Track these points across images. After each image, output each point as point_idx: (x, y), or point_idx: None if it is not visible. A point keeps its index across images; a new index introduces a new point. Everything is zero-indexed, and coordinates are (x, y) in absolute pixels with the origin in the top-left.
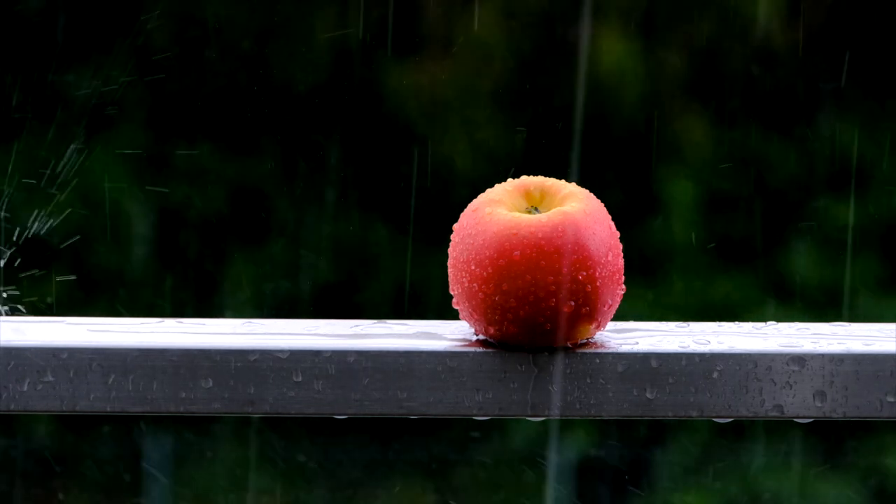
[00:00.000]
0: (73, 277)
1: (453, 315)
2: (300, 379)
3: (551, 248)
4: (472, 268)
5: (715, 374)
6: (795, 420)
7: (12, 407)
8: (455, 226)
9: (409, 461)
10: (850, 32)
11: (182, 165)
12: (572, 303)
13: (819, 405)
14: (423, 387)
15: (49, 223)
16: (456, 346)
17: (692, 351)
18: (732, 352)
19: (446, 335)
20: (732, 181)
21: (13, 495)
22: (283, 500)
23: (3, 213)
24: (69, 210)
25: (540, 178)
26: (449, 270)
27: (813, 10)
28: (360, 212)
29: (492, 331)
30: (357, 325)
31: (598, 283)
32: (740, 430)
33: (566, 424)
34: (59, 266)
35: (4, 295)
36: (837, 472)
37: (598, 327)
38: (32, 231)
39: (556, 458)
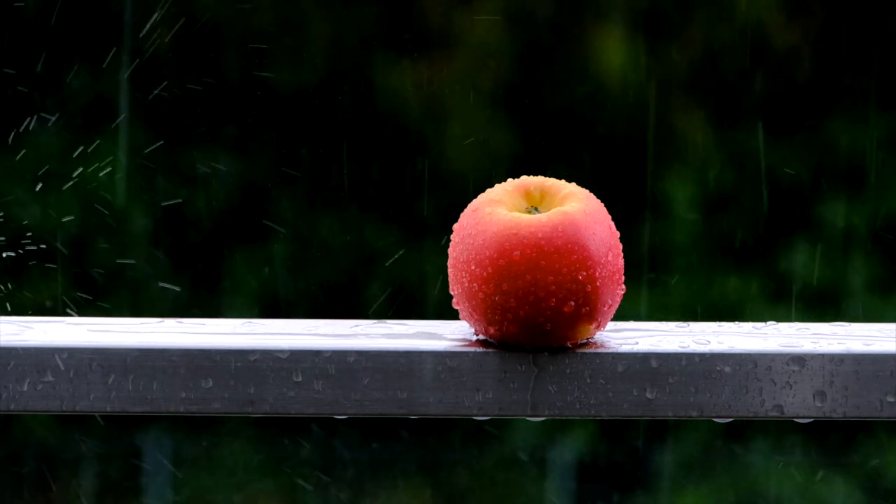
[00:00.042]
0: (73, 278)
1: (453, 315)
2: (300, 379)
3: (551, 248)
4: (472, 268)
5: (715, 374)
6: (795, 420)
7: (12, 407)
8: (455, 226)
9: (409, 461)
10: (850, 32)
11: (182, 165)
12: (572, 303)
13: (819, 405)
14: (423, 387)
15: (49, 223)
16: (456, 346)
17: (692, 351)
18: (732, 352)
19: (446, 335)
20: (732, 181)
21: (13, 495)
22: (283, 500)
23: (2, 213)
24: (69, 210)
25: (540, 178)
26: (449, 270)
27: (813, 9)
28: (360, 212)
29: (492, 331)
30: (357, 325)
31: (598, 283)
32: (740, 430)
33: (566, 424)
34: (59, 266)
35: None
36: (837, 472)
37: (598, 327)
38: (32, 231)
39: (556, 458)
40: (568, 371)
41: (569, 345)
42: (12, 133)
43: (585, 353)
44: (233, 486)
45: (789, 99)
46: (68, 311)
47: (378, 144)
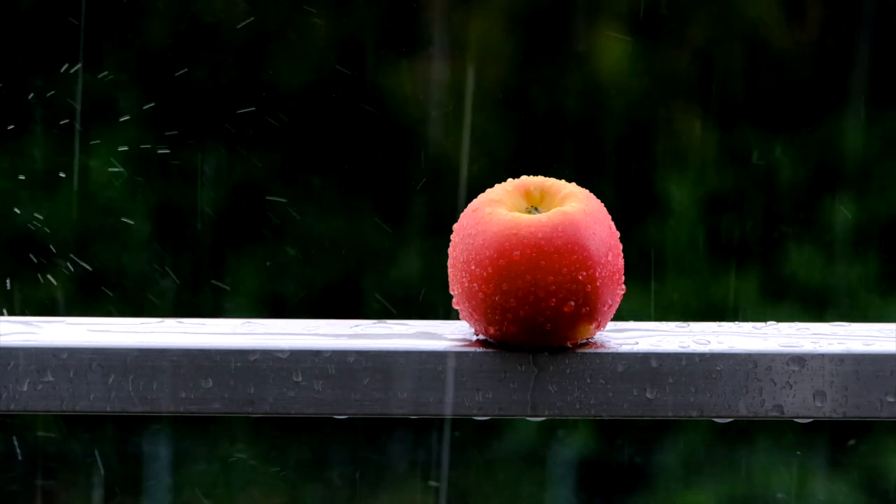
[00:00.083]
0: (72, 277)
1: (453, 315)
2: (300, 379)
3: (551, 248)
4: (472, 268)
5: (715, 374)
6: (795, 420)
7: (12, 407)
8: (455, 226)
9: (409, 461)
10: (850, 32)
11: (182, 165)
12: (572, 303)
13: (819, 405)
14: (423, 387)
15: (49, 223)
16: (456, 346)
17: (692, 351)
18: (732, 352)
19: (446, 335)
20: (732, 181)
21: (13, 495)
22: (283, 499)
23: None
24: (69, 209)
25: (540, 178)
26: (449, 270)
27: (813, 9)
28: (360, 211)
29: (492, 331)
30: (357, 325)
31: (598, 283)
32: (740, 430)
33: (566, 424)
34: (59, 266)
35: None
36: (837, 472)
37: (598, 327)
38: (32, 231)
39: (556, 458)
40: (568, 371)
41: (569, 345)
42: (12, 133)
43: (585, 353)
44: (233, 486)
45: (789, 99)
46: (68, 311)
47: (378, 144)
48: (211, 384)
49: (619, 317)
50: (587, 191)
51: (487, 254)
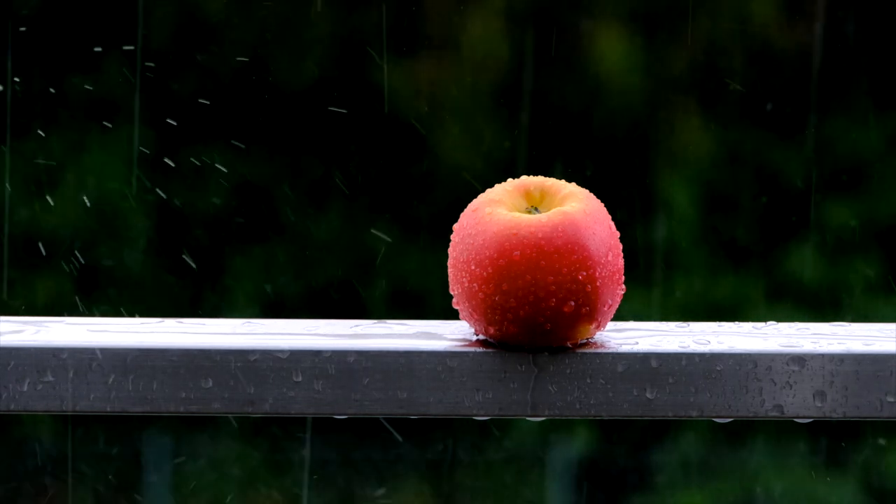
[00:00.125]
0: (73, 277)
1: (453, 315)
2: (300, 379)
3: (551, 248)
4: (472, 268)
5: (715, 374)
6: (795, 420)
7: (12, 407)
8: (455, 226)
9: (409, 461)
10: (850, 32)
11: (183, 165)
12: (572, 303)
13: (819, 405)
14: (423, 387)
15: (49, 223)
16: (456, 346)
17: (692, 351)
18: (732, 352)
19: (446, 335)
20: (732, 181)
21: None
22: (283, 499)
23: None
24: (70, 209)
25: (540, 178)
26: (449, 270)
27: (813, 9)
28: (360, 212)
29: (492, 331)
30: (357, 325)
31: (598, 283)
32: (740, 430)
33: (566, 424)
34: (60, 266)
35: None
36: (837, 472)
37: (598, 327)
38: (32, 231)
39: (556, 458)
40: (568, 371)
41: (569, 345)
42: (12, 133)
43: (585, 353)
44: (233, 486)
45: (789, 99)
46: (69, 311)
47: (378, 144)
48: (211, 384)
49: (619, 317)
50: (587, 191)
51: (487, 254)
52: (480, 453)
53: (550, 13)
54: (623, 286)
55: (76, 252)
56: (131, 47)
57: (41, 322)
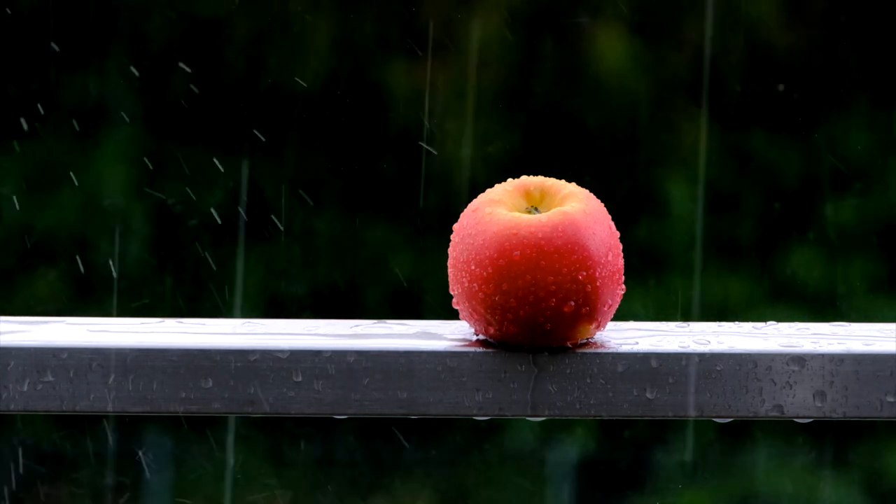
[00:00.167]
0: (73, 278)
1: (453, 315)
2: (300, 379)
3: (551, 248)
4: (472, 268)
5: (715, 374)
6: (795, 420)
7: (12, 407)
8: (455, 226)
9: (409, 461)
10: (850, 32)
11: (182, 165)
12: (572, 303)
13: (819, 405)
14: (423, 387)
15: (49, 223)
16: (456, 346)
17: (692, 351)
18: (732, 352)
19: (446, 335)
20: (732, 181)
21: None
22: (283, 499)
23: (2, 213)
24: (70, 209)
25: (540, 178)
26: (449, 270)
27: (813, 9)
28: (360, 212)
29: (492, 331)
30: (357, 325)
31: (598, 283)
32: (740, 430)
33: (566, 424)
34: (59, 266)
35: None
36: (837, 472)
37: (598, 327)
38: (32, 231)
39: (556, 458)
40: (568, 371)
41: (569, 345)
42: (13, 133)
43: (585, 353)
44: (233, 486)
45: (789, 99)
46: (69, 311)
47: (378, 144)
48: (211, 384)
49: (619, 317)
50: (587, 191)
51: (487, 254)
52: (480, 453)
53: (551, 13)
54: (623, 286)
55: (76, 252)
56: (131, 47)
57: (41, 322)
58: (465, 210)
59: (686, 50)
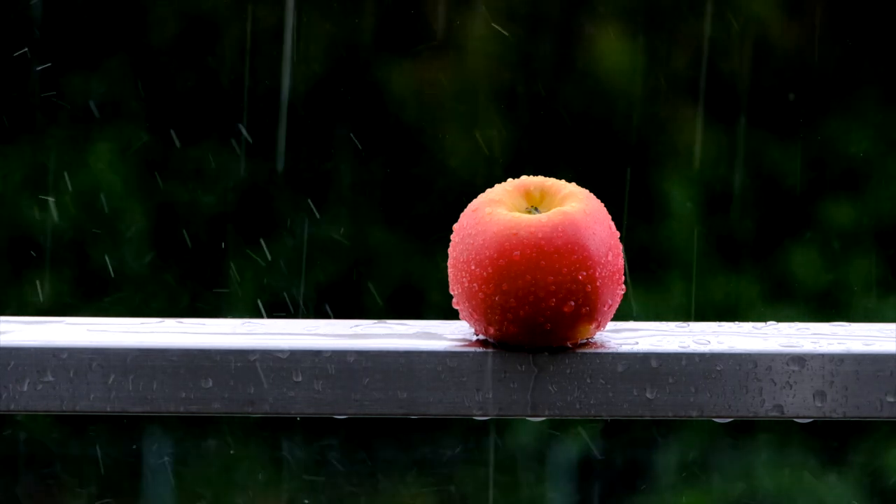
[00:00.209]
0: (72, 278)
1: (453, 315)
2: (300, 379)
3: (551, 248)
4: (472, 268)
5: (715, 374)
6: (795, 420)
7: (12, 407)
8: (455, 226)
9: (409, 461)
10: (850, 32)
11: (182, 165)
12: (572, 303)
13: (819, 405)
14: (423, 387)
15: (49, 222)
16: (456, 346)
17: (692, 351)
18: (732, 352)
19: (446, 335)
20: (732, 181)
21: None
22: (283, 499)
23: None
24: (69, 209)
25: (540, 178)
26: (449, 270)
27: (813, 9)
28: (360, 211)
29: (492, 331)
30: (357, 325)
31: (598, 283)
32: (740, 430)
33: (566, 424)
34: (59, 266)
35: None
36: (837, 472)
37: (598, 327)
38: (32, 230)
39: (556, 458)
40: (568, 371)
41: (569, 345)
42: (12, 133)
43: (585, 353)
44: (232, 486)
45: (789, 99)
46: (68, 311)
47: (378, 144)
48: (211, 384)
49: (619, 317)
50: (587, 191)
51: (487, 254)
52: (480, 453)
53: (550, 13)
54: (623, 286)
55: (76, 252)
56: (132, 47)
57: (41, 322)
58: (465, 210)
59: (686, 50)
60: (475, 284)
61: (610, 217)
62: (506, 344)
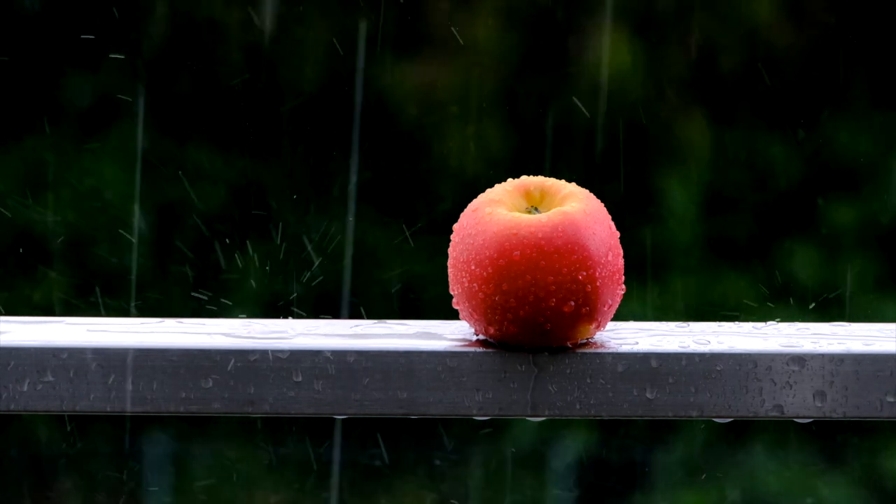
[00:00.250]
0: (72, 278)
1: (453, 315)
2: (300, 379)
3: (551, 248)
4: (472, 268)
5: (715, 374)
6: (795, 420)
7: (12, 407)
8: (455, 226)
9: (410, 461)
10: (850, 32)
11: (182, 165)
12: (572, 303)
13: (819, 405)
14: (423, 387)
15: (49, 222)
16: (456, 346)
17: (692, 351)
18: (732, 352)
19: (446, 335)
20: (732, 181)
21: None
22: (283, 500)
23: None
24: (69, 209)
25: (540, 178)
26: (449, 270)
27: (814, 9)
28: (361, 211)
29: (492, 331)
30: (357, 325)
31: (598, 283)
32: (740, 430)
33: (566, 424)
34: (59, 266)
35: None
36: (837, 472)
37: (598, 327)
38: (32, 230)
39: (556, 458)
40: (568, 371)
41: (569, 345)
42: (12, 133)
43: (585, 353)
44: (233, 486)
45: (789, 98)
46: (68, 311)
47: (378, 144)
48: (211, 384)
49: (619, 317)
50: (587, 191)
51: (487, 254)
52: (480, 453)
53: (551, 13)
54: (623, 286)
55: (76, 252)
56: (131, 47)
57: (41, 322)
58: (465, 210)
59: (686, 50)
60: (475, 284)
61: (610, 217)
62: (506, 344)
